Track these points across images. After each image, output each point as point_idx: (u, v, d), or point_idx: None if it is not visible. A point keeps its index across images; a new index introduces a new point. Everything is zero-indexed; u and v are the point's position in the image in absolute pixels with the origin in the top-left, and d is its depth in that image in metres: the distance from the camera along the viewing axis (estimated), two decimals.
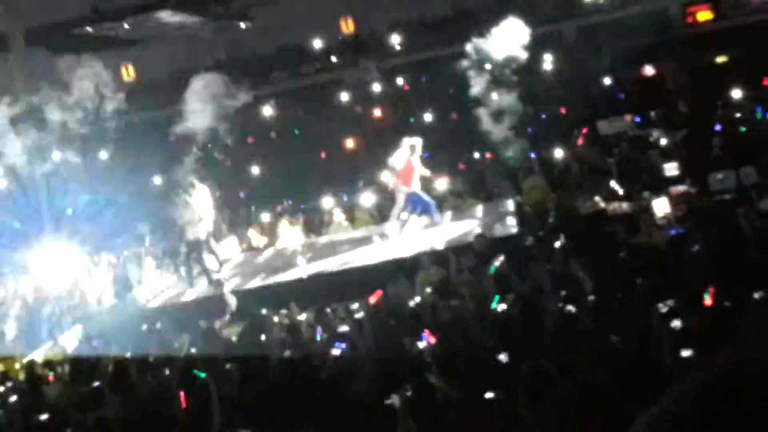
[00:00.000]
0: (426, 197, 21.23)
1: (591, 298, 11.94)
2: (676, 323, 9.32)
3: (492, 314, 12.40)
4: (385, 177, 25.11)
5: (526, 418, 8.04)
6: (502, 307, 12.46)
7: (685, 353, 8.62)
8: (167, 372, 13.04)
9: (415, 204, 21.37)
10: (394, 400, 8.82)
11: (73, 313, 21.00)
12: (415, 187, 21.09)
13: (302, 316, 15.95)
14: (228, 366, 12.22)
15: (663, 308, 9.91)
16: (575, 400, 8.53)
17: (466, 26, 37.90)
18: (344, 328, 13.34)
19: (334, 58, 40.40)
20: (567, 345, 10.04)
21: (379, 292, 15.23)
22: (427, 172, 21.91)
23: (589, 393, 8.69)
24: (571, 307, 10.97)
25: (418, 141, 21.37)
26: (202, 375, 11.20)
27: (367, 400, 10.08)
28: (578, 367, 9.17)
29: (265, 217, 25.56)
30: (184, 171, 23.41)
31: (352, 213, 24.35)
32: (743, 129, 23.02)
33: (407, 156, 21.14)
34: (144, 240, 26.77)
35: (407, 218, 21.36)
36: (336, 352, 11.86)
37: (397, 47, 39.15)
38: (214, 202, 22.11)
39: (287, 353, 12.58)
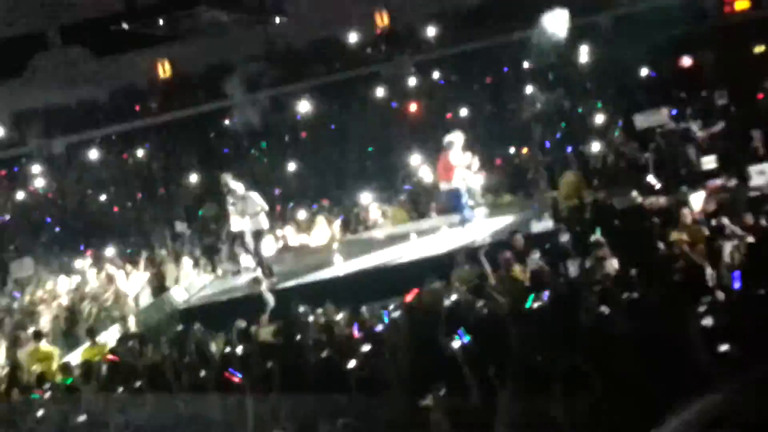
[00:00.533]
0: (464, 194, 21.12)
1: (627, 294, 11.84)
2: (709, 321, 9.24)
3: (527, 313, 12.34)
4: (423, 173, 25.12)
5: (560, 419, 8.00)
6: (537, 304, 12.41)
7: (721, 350, 8.54)
8: (203, 373, 13.06)
9: (452, 199, 21.31)
10: (428, 400, 8.80)
11: (111, 313, 21.10)
12: (457, 182, 20.97)
13: (339, 315, 15.94)
14: (268, 365, 12.23)
15: (700, 306, 9.84)
16: (610, 399, 8.49)
17: (501, 17, 37.89)
18: (379, 327, 13.34)
19: (368, 52, 40.29)
20: (603, 343, 9.98)
21: (415, 291, 15.20)
22: (471, 166, 21.80)
23: (624, 392, 8.64)
24: (605, 307, 10.90)
25: (457, 137, 21.29)
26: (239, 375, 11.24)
27: (401, 399, 10.07)
28: (614, 366, 9.11)
29: (302, 214, 25.54)
30: (226, 168, 23.52)
31: (388, 210, 24.31)
32: None
33: (445, 152, 21.07)
34: (182, 238, 26.89)
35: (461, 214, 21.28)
36: (367, 349, 11.87)
37: (433, 40, 38.98)
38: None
39: (323, 353, 12.56)
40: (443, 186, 21.40)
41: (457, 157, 21.07)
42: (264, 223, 21.23)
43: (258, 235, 21.26)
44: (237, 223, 21.67)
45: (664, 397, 8.30)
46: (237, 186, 21.43)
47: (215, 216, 26.81)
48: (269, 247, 23.39)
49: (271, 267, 21.41)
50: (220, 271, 23.58)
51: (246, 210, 21.04)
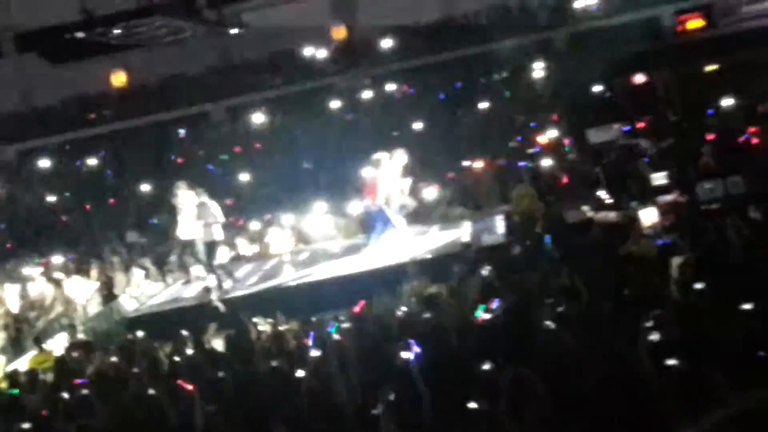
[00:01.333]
0: (388, 215, 21.10)
1: (578, 307, 11.91)
2: (656, 335, 9.32)
3: (476, 324, 12.40)
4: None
5: (508, 427, 8.02)
6: (487, 316, 12.46)
7: (668, 364, 8.61)
8: (151, 381, 12.98)
9: (373, 218, 21.30)
10: (379, 408, 8.80)
11: (59, 321, 20.96)
12: (381, 201, 20.96)
13: (289, 325, 15.93)
14: (218, 374, 12.18)
15: (649, 319, 9.91)
16: (558, 409, 8.52)
17: (457, 33, 38.07)
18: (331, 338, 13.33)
19: (324, 64, 40.32)
20: (552, 355, 10.03)
21: (361, 302, 15.24)
22: (402, 186, 21.75)
23: (572, 402, 8.68)
24: (551, 322, 10.96)
25: (384, 155, 21.27)
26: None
27: (351, 408, 10.06)
28: (562, 377, 9.16)
29: (254, 225, 25.47)
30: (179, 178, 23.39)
31: (339, 222, 24.29)
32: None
33: (374, 170, 21.08)
34: (133, 247, 26.74)
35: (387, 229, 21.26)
36: (315, 356, 11.87)
37: (389, 54, 39.05)
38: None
39: (273, 362, 12.52)
40: (366, 204, 21.46)
41: (386, 176, 21.06)
42: (218, 234, 21.10)
43: (212, 246, 21.13)
44: (187, 231, 21.55)
45: (612, 410, 8.38)
46: (189, 196, 21.32)
47: (166, 225, 26.66)
48: (222, 257, 23.35)
49: (231, 271, 21.33)
50: (170, 280, 23.43)
51: (201, 217, 20.91)
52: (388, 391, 9.02)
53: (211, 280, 21.05)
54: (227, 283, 20.75)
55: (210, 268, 21.15)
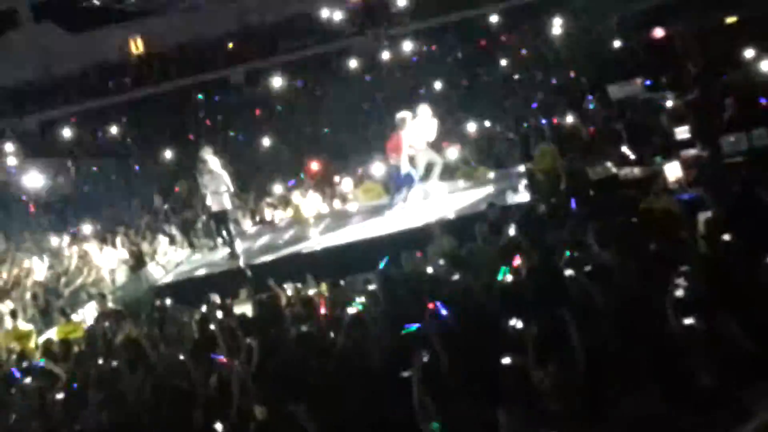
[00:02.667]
0: (411, 173, 21.13)
1: (603, 264, 11.91)
2: (681, 291, 9.34)
3: (503, 282, 12.43)
4: None
5: (536, 382, 8.09)
6: (512, 276, 12.50)
7: (689, 321, 8.64)
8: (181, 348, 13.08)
9: (398, 178, 21.27)
10: (411, 370, 8.86)
11: (88, 290, 21.09)
12: (404, 162, 20.95)
13: (317, 289, 16.03)
14: (247, 340, 12.24)
15: (676, 274, 9.92)
16: (586, 363, 8.58)
17: None
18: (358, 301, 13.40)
19: (342, 26, 40.26)
20: (578, 310, 10.06)
21: None
22: (427, 141, 21.78)
23: (599, 356, 8.73)
24: (579, 274, 10.99)
25: (407, 114, 21.23)
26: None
27: (381, 370, 10.12)
28: (589, 331, 9.20)
29: (278, 189, 25.49)
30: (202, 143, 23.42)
31: (362, 184, 24.30)
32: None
33: (397, 130, 21.05)
34: (158, 214, 26.81)
35: (400, 192, 21.30)
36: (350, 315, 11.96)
37: (406, 14, 38.99)
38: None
39: (303, 327, 12.60)
40: (390, 163, 21.44)
41: (410, 135, 21.05)
42: (227, 203, 21.10)
43: (222, 215, 21.17)
44: (211, 197, 21.63)
45: (640, 367, 8.43)
46: (213, 161, 21.35)
47: (190, 191, 26.67)
48: (242, 224, 23.46)
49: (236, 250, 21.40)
50: (197, 247, 23.53)
51: (211, 187, 20.95)
52: (420, 354, 9.08)
53: (238, 247, 21.14)
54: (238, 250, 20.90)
55: (229, 238, 21.20)
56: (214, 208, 21.07)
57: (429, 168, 21.83)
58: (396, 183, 21.36)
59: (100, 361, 13.69)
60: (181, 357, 12.19)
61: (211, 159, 21.33)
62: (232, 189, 21.21)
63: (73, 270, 22.18)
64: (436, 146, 22.25)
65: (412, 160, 21.19)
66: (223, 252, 21.57)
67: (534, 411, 7.94)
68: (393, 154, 21.04)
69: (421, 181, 21.52)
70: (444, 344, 9.70)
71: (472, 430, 8.19)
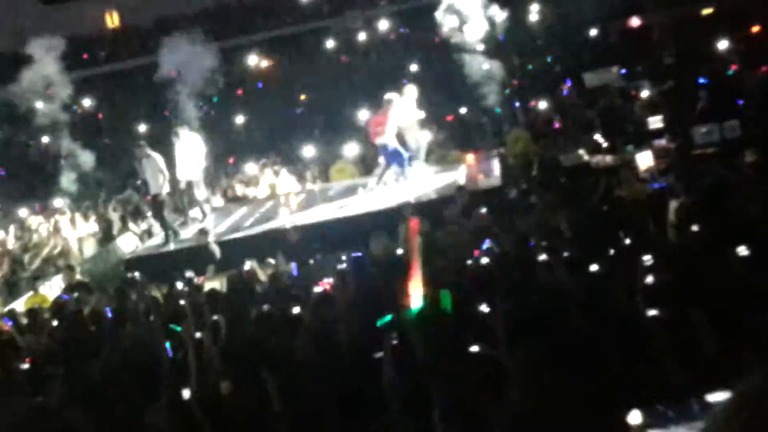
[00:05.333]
0: (400, 150, 21.09)
1: (573, 250, 11.95)
2: (650, 278, 9.38)
3: (471, 267, 12.45)
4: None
5: (508, 367, 8.08)
6: (484, 260, 12.51)
7: (654, 311, 8.67)
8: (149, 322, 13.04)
9: (388, 156, 21.23)
10: (383, 352, 8.85)
11: (56, 262, 20.99)
12: (390, 139, 20.92)
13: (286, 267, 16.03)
14: (214, 317, 12.21)
15: (644, 262, 9.97)
16: (556, 349, 8.60)
17: None
18: (328, 280, 13.39)
19: (319, 6, 40.20)
20: (547, 296, 10.09)
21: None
22: (418, 120, 21.76)
23: (567, 343, 8.75)
24: (549, 258, 11.02)
25: (394, 95, 21.22)
26: (178, 329, 11.23)
27: (350, 350, 10.12)
28: (558, 318, 9.22)
29: (250, 167, 25.45)
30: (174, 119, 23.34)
31: (334, 164, 24.31)
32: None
33: (384, 109, 21.01)
34: (129, 188, 26.70)
35: (384, 170, 21.28)
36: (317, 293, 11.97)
37: None
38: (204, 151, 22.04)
39: (270, 304, 12.59)
40: (378, 142, 21.37)
41: (397, 114, 21.02)
42: (163, 187, 21.01)
43: (158, 200, 21.11)
44: (185, 172, 21.61)
45: (606, 352, 8.46)
46: (188, 137, 21.39)
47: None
48: (215, 200, 23.41)
49: (176, 230, 21.41)
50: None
51: (147, 172, 20.91)
52: (390, 336, 9.08)
53: (208, 222, 21.12)
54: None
55: (162, 222, 21.15)
56: (152, 191, 20.96)
57: (419, 144, 21.82)
58: (387, 161, 21.29)
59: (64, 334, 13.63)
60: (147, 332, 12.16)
61: (183, 134, 21.32)
62: (167, 174, 21.00)
63: (41, 241, 22.07)
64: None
65: (400, 139, 21.17)
66: (192, 227, 21.51)
67: (502, 397, 7.94)
68: (377, 131, 20.97)
69: (411, 159, 21.50)
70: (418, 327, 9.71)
71: (443, 413, 8.20)
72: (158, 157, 20.94)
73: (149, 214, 22.43)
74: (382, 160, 21.40)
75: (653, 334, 8.43)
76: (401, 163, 21.04)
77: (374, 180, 21.41)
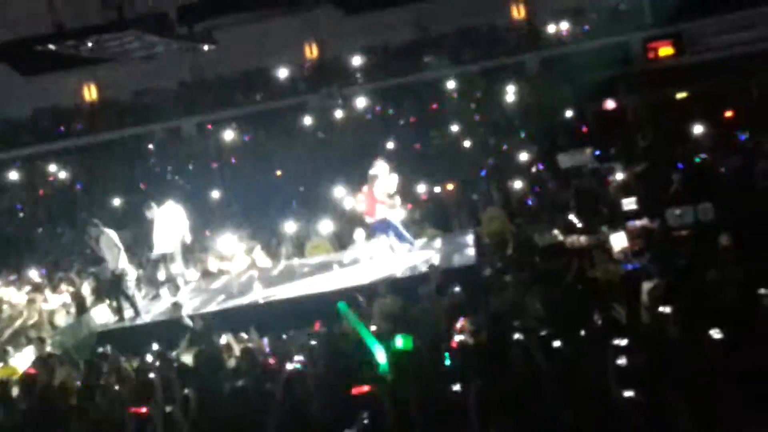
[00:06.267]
0: (395, 223, 21.19)
1: (547, 330, 11.95)
2: (623, 361, 9.39)
3: (447, 344, 12.44)
4: (347, 203, 25.13)
5: None
6: (458, 338, 12.51)
7: (629, 393, 8.67)
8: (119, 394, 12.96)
9: (385, 230, 21.30)
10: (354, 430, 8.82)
11: (27, 334, 20.82)
12: (381, 214, 21.00)
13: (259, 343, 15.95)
14: (185, 391, 12.13)
15: (618, 345, 9.98)
16: (530, 429, 8.58)
17: (429, 53, 38.28)
18: (298, 357, 13.34)
19: (297, 82, 40.43)
20: (522, 376, 10.08)
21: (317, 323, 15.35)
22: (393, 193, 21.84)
23: (543, 425, 8.74)
24: (525, 338, 11.03)
25: (380, 167, 21.36)
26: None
27: (321, 427, 10.07)
28: (531, 399, 9.21)
29: (224, 241, 25.40)
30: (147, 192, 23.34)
31: (308, 240, 24.36)
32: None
33: (368, 186, 21.11)
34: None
35: (386, 244, 21.35)
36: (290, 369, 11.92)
37: (361, 74, 39.25)
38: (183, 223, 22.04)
39: (242, 379, 12.53)
40: (369, 220, 21.45)
41: (382, 188, 21.11)
42: (122, 262, 21.08)
43: (115, 275, 21.08)
44: (159, 246, 21.60)
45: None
46: (164, 210, 21.45)
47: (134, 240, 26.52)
48: (189, 273, 23.34)
49: (137, 307, 21.20)
50: (140, 294, 23.31)
51: (102, 250, 20.92)
52: (362, 414, 9.04)
53: (182, 296, 21.05)
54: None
55: (129, 299, 21.07)
56: (110, 267, 20.93)
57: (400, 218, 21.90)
58: (386, 233, 21.33)
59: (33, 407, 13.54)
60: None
61: (160, 208, 21.42)
62: (121, 248, 20.99)
63: (14, 313, 21.91)
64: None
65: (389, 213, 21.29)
66: (165, 301, 21.42)
67: None
68: (368, 212, 21.11)
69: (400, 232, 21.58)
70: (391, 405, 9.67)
71: None
72: (112, 233, 21.04)
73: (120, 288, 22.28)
74: (380, 237, 21.49)
75: (628, 415, 8.42)
76: (399, 235, 21.15)
77: (385, 250, 21.42)
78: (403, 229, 21.40)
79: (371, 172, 21.30)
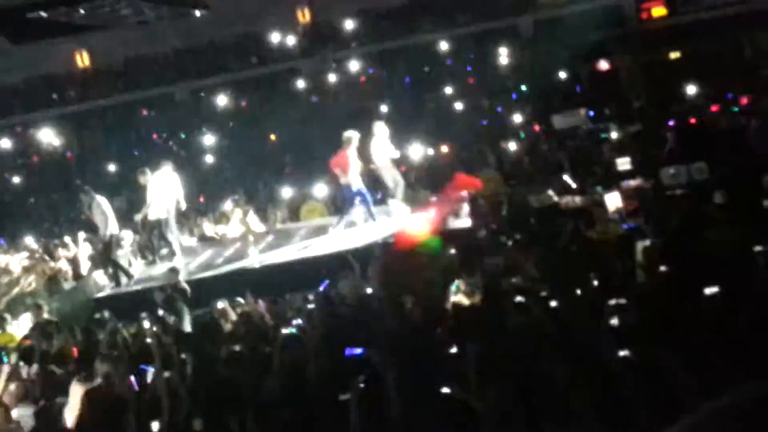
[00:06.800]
0: (363, 191, 21.14)
1: (542, 292, 11.98)
2: (615, 321, 9.41)
3: (442, 309, 12.44)
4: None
5: (479, 410, 8.07)
6: (455, 298, 12.53)
7: (622, 353, 8.69)
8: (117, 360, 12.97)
9: (352, 196, 21.25)
10: (349, 394, 8.82)
11: (24, 301, 20.86)
12: (354, 179, 20.94)
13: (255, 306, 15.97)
14: (182, 356, 12.16)
15: (613, 304, 9.99)
16: (526, 390, 8.59)
17: (422, 17, 38.18)
18: (296, 321, 13.36)
19: (290, 47, 40.31)
20: (519, 337, 10.10)
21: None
22: (390, 158, 21.79)
23: (540, 384, 8.75)
24: (521, 298, 11.04)
25: (355, 134, 21.25)
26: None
27: (317, 391, 10.08)
28: (529, 359, 9.22)
29: (219, 206, 25.43)
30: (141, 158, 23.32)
31: (303, 203, 24.34)
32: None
33: (344, 149, 21.05)
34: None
35: (350, 211, 21.30)
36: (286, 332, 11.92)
37: (354, 38, 39.16)
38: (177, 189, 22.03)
39: (239, 343, 12.56)
40: (343, 182, 21.37)
41: (356, 154, 21.06)
42: (113, 228, 21.19)
43: (104, 242, 21.23)
44: (154, 211, 21.59)
45: (575, 395, 8.48)
46: (161, 175, 21.45)
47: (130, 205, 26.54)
48: (185, 239, 23.36)
49: (129, 273, 21.47)
50: (135, 261, 23.34)
51: (95, 216, 20.99)
52: (358, 379, 9.05)
53: (178, 261, 21.09)
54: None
55: (113, 266, 21.21)
56: (101, 233, 21.07)
57: (395, 185, 21.84)
58: (347, 201, 21.30)
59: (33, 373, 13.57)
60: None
61: (158, 174, 21.41)
62: (112, 215, 21.09)
63: (12, 280, 21.94)
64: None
65: (377, 178, 21.25)
66: (162, 266, 21.45)
67: None
68: (337, 171, 21.03)
69: (389, 197, 21.54)
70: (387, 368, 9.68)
71: None
72: (103, 201, 21.17)
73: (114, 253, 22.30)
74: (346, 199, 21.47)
75: (623, 375, 8.44)
76: (366, 203, 21.09)
77: (338, 220, 21.42)
78: (371, 202, 21.29)
79: (346, 134, 21.18)
